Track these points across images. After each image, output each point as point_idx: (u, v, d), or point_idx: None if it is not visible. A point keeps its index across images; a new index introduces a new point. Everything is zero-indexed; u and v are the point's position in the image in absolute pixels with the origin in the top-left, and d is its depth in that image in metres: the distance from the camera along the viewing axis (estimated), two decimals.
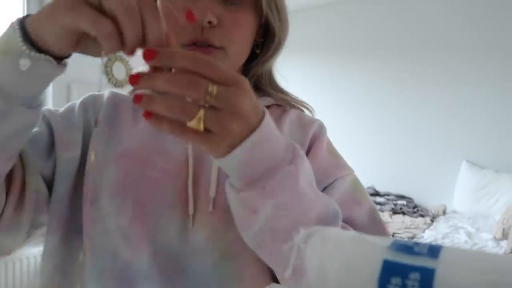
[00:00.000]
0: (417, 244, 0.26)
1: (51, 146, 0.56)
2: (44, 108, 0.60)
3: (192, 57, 0.36)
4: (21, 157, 0.52)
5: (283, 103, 0.66)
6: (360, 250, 0.27)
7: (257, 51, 0.63)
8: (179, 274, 0.52)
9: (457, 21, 3.32)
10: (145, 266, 0.52)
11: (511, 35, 3.12)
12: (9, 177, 0.50)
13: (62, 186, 0.56)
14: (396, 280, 0.24)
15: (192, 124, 0.36)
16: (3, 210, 0.50)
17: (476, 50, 3.25)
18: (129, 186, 0.54)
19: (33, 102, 0.44)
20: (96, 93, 0.64)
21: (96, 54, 0.42)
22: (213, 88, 0.35)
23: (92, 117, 0.60)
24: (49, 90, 2.72)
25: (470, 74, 3.27)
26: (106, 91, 0.65)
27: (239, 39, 0.56)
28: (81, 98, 0.63)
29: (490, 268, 0.23)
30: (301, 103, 0.68)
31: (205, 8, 0.51)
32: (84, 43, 0.41)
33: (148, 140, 0.58)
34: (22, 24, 0.39)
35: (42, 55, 0.40)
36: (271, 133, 0.41)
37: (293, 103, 0.67)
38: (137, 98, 0.37)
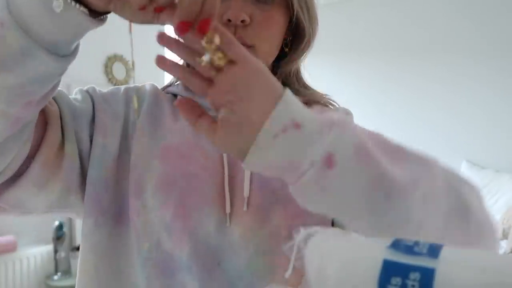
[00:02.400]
0: (417, 243, 0.26)
1: (92, 124, 0.57)
2: (89, 86, 0.62)
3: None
4: (61, 122, 0.53)
5: (308, 100, 0.67)
6: (360, 250, 0.27)
7: (286, 50, 0.64)
8: (216, 267, 0.55)
9: (457, 20, 3.32)
10: (185, 258, 0.54)
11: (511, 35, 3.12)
12: (41, 137, 0.50)
13: (96, 171, 0.56)
14: (396, 280, 0.24)
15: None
16: (29, 166, 0.50)
17: (477, 50, 3.25)
18: (173, 182, 0.56)
19: (60, 50, 0.42)
20: (139, 85, 0.65)
21: (126, 15, 0.40)
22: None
23: (134, 109, 0.61)
24: None
25: (471, 73, 3.27)
26: (147, 84, 0.66)
27: (270, 38, 0.58)
28: (124, 86, 0.64)
29: (490, 268, 0.23)
30: (327, 100, 0.69)
31: (238, 8, 0.53)
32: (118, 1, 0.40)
33: (189, 136, 0.59)
34: None
35: (77, 5, 0.38)
36: None
37: (318, 99, 0.68)
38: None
